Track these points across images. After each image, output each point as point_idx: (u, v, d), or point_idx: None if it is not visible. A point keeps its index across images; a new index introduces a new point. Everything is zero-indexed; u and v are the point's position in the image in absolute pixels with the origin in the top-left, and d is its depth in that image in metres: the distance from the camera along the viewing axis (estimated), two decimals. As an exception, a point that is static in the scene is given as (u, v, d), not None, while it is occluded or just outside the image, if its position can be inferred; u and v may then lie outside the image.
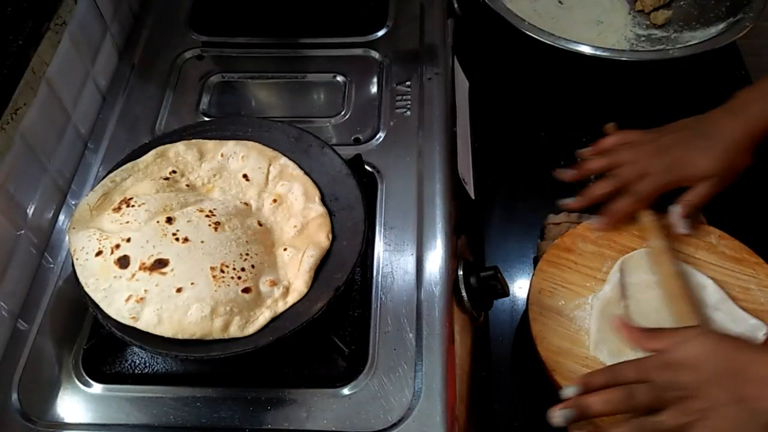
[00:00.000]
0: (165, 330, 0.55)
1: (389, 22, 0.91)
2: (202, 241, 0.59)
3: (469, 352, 0.67)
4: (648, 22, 1.05)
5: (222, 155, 0.69)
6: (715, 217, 0.83)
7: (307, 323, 0.56)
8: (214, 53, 0.89)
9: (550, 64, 0.97)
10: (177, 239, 0.59)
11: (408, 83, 0.83)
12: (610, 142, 0.82)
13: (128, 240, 0.59)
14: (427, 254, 0.67)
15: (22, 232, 0.68)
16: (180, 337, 0.55)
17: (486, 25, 0.99)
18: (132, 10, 0.94)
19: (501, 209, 0.91)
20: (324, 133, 0.78)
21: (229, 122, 0.73)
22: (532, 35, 0.92)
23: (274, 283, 0.59)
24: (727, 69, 1.03)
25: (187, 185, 0.67)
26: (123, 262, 0.58)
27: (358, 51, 0.88)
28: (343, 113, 0.81)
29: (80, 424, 0.58)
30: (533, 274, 0.76)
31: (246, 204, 0.66)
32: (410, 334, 0.62)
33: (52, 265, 0.69)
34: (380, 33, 0.89)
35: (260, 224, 0.64)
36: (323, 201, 0.66)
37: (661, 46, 1.00)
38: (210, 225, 0.61)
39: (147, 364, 0.62)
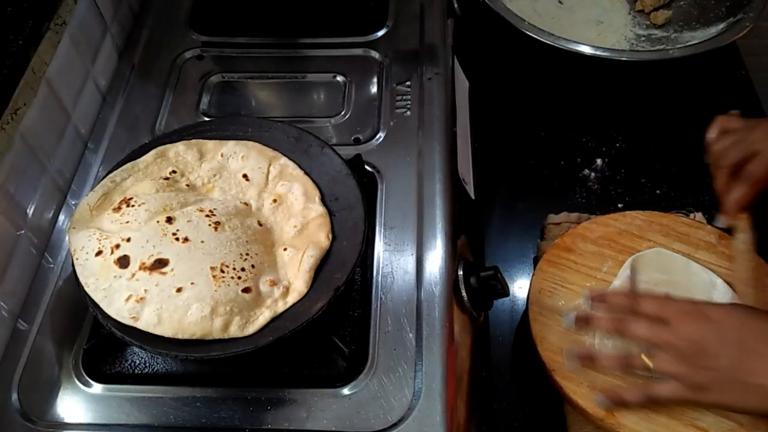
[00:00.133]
0: (165, 330, 0.55)
1: (389, 22, 0.91)
2: (202, 241, 0.59)
3: (469, 352, 0.67)
4: (648, 22, 1.05)
5: (222, 155, 0.69)
6: (715, 217, 0.83)
7: (307, 323, 0.56)
8: (214, 53, 0.89)
9: (550, 64, 0.97)
10: (177, 239, 0.59)
11: (408, 83, 0.83)
12: (714, 133, 0.76)
13: (128, 240, 0.59)
14: (427, 254, 0.67)
15: (22, 232, 0.68)
16: (180, 337, 0.55)
17: (486, 25, 0.99)
18: (132, 10, 0.94)
19: (501, 209, 0.91)
20: (324, 133, 0.78)
21: (229, 122, 0.73)
22: (532, 35, 0.92)
23: (274, 283, 0.59)
24: (727, 69, 1.04)
25: (187, 185, 0.67)
26: (123, 261, 0.58)
27: (358, 51, 0.88)
28: (343, 113, 0.81)
29: (80, 424, 0.58)
30: (533, 274, 0.76)
31: (246, 204, 0.66)
32: (410, 334, 0.62)
33: (52, 265, 0.69)
34: (380, 33, 0.89)
35: (260, 224, 0.64)
36: (323, 201, 0.66)
37: (661, 46, 1.00)
38: (210, 225, 0.61)
39: (147, 364, 0.62)
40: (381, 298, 0.64)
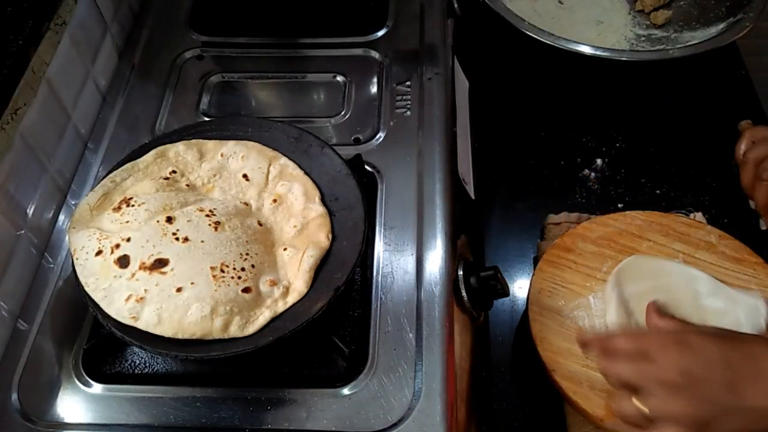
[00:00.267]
0: (165, 330, 0.55)
1: (389, 22, 0.91)
2: (202, 241, 0.59)
3: (469, 352, 0.67)
4: (648, 22, 1.05)
5: (222, 155, 0.69)
6: (715, 217, 0.83)
7: (307, 323, 0.56)
8: (214, 53, 0.89)
9: (550, 64, 0.97)
10: (177, 239, 0.59)
11: (408, 83, 0.83)
12: (744, 144, 0.75)
13: (128, 239, 0.59)
14: (427, 254, 0.67)
15: (22, 232, 0.68)
16: (180, 336, 0.55)
17: (486, 25, 0.99)
18: (132, 10, 0.94)
19: (501, 209, 0.91)
20: (324, 133, 0.78)
21: (229, 122, 0.73)
22: (532, 35, 0.92)
23: (274, 283, 0.59)
24: (727, 69, 1.04)
25: (187, 185, 0.67)
26: (123, 261, 0.58)
27: (358, 51, 0.88)
28: (343, 113, 0.81)
29: (80, 424, 0.58)
30: (533, 274, 0.76)
31: (246, 204, 0.66)
32: (410, 334, 0.62)
33: (52, 265, 0.69)
34: (380, 33, 0.89)
35: (260, 224, 0.64)
36: (323, 201, 0.66)
37: (661, 46, 1.00)
38: (210, 225, 0.61)
39: (147, 364, 0.62)
40: (381, 298, 0.64)
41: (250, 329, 0.57)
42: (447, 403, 0.58)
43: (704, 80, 1.02)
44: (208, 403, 0.59)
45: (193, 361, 0.60)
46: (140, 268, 0.57)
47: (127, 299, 0.56)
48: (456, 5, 0.95)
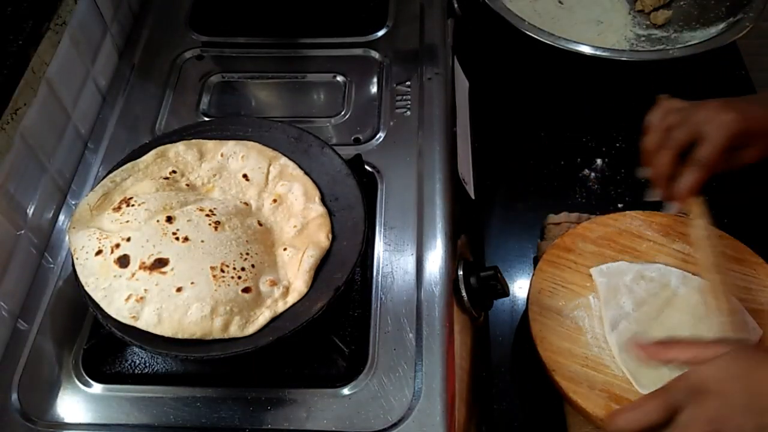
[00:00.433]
0: (165, 329, 0.55)
1: (389, 22, 0.91)
2: (202, 241, 0.59)
3: (469, 352, 0.67)
4: (648, 22, 1.05)
5: (222, 155, 0.69)
6: (715, 217, 0.83)
7: (307, 323, 0.56)
8: (214, 53, 0.89)
9: (550, 64, 0.97)
10: (177, 238, 0.59)
11: (408, 83, 0.83)
12: (658, 113, 0.75)
13: (128, 239, 0.59)
14: (427, 254, 0.67)
15: (22, 232, 0.68)
16: (180, 336, 0.55)
17: (486, 25, 0.99)
18: (132, 10, 0.94)
19: (501, 209, 0.91)
20: (324, 133, 0.78)
21: (229, 122, 0.73)
22: (532, 35, 0.92)
23: (274, 283, 0.59)
24: (727, 69, 1.04)
25: (187, 185, 0.67)
26: (123, 261, 0.58)
27: (358, 51, 0.88)
28: (343, 113, 0.81)
29: (80, 424, 0.58)
30: (533, 274, 0.76)
31: (246, 204, 0.66)
32: (410, 334, 0.62)
33: (52, 265, 0.69)
34: (380, 33, 0.89)
35: (260, 224, 0.64)
36: (323, 201, 0.66)
37: (661, 46, 1.00)
38: (210, 224, 0.61)
39: (147, 364, 0.62)
40: (381, 298, 0.64)
41: (250, 329, 0.57)
42: (447, 403, 0.58)
43: (704, 80, 1.02)
44: (208, 403, 0.59)
45: (193, 361, 0.60)
46: (140, 268, 0.57)
47: (127, 299, 0.56)
48: (456, 5, 0.95)
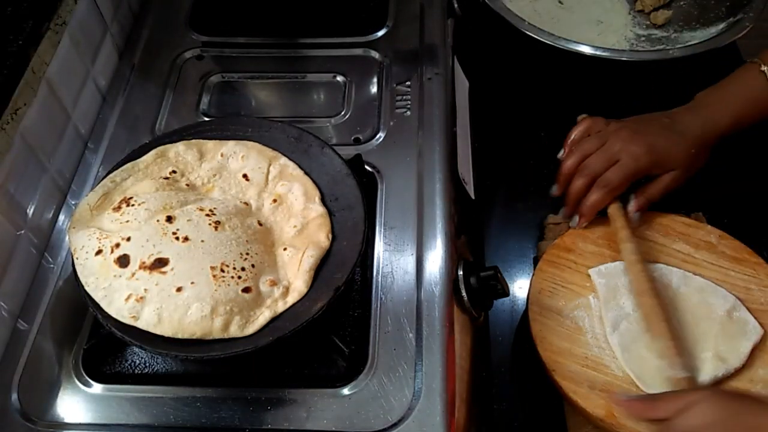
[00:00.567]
0: (165, 329, 0.55)
1: (389, 22, 0.91)
2: (203, 241, 0.59)
3: (469, 352, 0.67)
4: (648, 22, 1.05)
5: (222, 155, 0.69)
6: (715, 217, 0.83)
7: (307, 323, 0.56)
8: (214, 53, 0.89)
9: (550, 64, 0.97)
10: (177, 238, 0.59)
11: (408, 83, 0.83)
12: (578, 133, 0.82)
13: (128, 239, 0.59)
14: (427, 254, 0.67)
15: (22, 232, 0.68)
16: (180, 336, 0.55)
17: (486, 25, 0.99)
18: (132, 10, 0.94)
19: (501, 209, 0.91)
20: (324, 133, 0.78)
21: (229, 122, 0.73)
22: (532, 35, 0.92)
23: (274, 283, 0.59)
24: (727, 69, 1.03)
25: (187, 185, 0.67)
26: (123, 261, 0.58)
27: (358, 51, 0.88)
28: (343, 113, 0.81)
29: (80, 424, 0.58)
30: (533, 274, 0.76)
31: (246, 204, 0.66)
32: (410, 334, 0.62)
33: (52, 265, 0.69)
34: (380, 33, 0.89)
35: (260, 224, 0.64)
36: (323, 201, 0.66)
37: (661, 46, 1.00)
38: (210, 224, 0.61)
39: (147, 364, 0.62)
40: (381, 298, 0.64)
41: (250, 329, 0.57)
42: (447, 403, 0.58)
43: (704, 80, 1.02)
44: (208, 403, 0.59)
45: (193, 361, 0.61)
46: (140, 268, 0.57)
47: (127, 299, 0.56)
48: (456, 5, 0.95)
